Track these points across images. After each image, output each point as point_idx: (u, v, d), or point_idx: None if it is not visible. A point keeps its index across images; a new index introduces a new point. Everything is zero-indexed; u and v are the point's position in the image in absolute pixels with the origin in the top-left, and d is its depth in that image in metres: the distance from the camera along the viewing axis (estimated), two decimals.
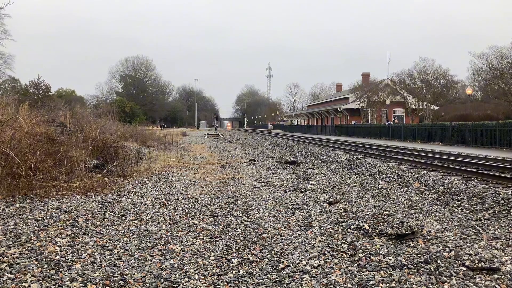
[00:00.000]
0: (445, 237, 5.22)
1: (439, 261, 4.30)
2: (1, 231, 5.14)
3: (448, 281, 3.87)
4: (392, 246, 4.94)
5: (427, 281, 3.87)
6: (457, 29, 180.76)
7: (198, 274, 4.12)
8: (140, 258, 4.52)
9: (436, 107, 44.84)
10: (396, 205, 7.63)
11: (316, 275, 4.08)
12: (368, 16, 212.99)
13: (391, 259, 4.40)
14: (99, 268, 4.14)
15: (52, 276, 3.85)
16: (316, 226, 5.92)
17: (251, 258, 4.59)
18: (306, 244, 5.07)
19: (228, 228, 5.84)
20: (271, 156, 18.59)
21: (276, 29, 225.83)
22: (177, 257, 4.62)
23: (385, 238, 5.24)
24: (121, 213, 6.54)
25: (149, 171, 11.95)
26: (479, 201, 7.47)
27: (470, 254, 4.55)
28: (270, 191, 8.92)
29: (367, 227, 5.66)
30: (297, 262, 4.45)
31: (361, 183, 10.33)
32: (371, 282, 3.86)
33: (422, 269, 4.14)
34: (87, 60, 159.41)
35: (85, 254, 4.53)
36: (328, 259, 4.52)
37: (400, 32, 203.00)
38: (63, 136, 10.24)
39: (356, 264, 4.34)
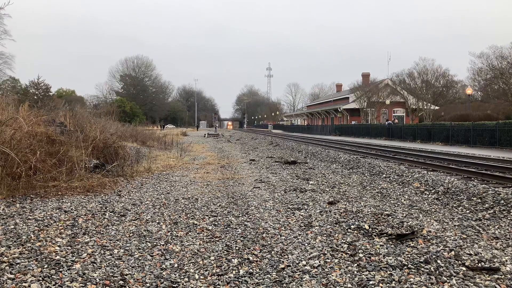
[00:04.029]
0: (445, 237, 5.22)
1: (439, 261, 4.30)
2: (1, 231, 5.14)
3: (448, 281, 3.87)
4: (392, 246, 4.94)
5: (427, 281, 3.87)
6: (457, 29, 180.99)
7: (198, 274, 4.12)
8: (140, 258, 4.52)
9: (436, 107, 44.84)
10: (396, 205, 7.63)
11: (316, 275, 4.08)
12: (369, 16, 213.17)
13: (391, 259, 4.40)
14: (99, 268, 4.14)
15: (52, 276, 3.85)
16: (316, 226, 5.92)
17: (251, 258, 4.59)
18: (306, 244, 5.07)
19: (228, 228, 5.84)
20: (271, 156, 18.58)
21: (276, 29, 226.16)
22: (177, 257, 4.62)
23: (385, 238, 5.24)
24: (121, 213, 6.54)
25: (149, 171, 11.95)
26: (479, 201, 7.47)
27: (470, 254, 4.55)
28: (270, 191, 8.92)
29: (367, 227, 5.66)
30: (297, 262, 4.44)
31: (361, 183, 10.33)
32: (371, 282, 3.86)
33: (422, 269, 4.14)
34: (87, 60, 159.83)
35: (85, 254, 4.53)
36: (328, 259, 4.52)
37: (400, 32, 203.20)
38: (63, 136, 10.24)
39: (356, 264, 4.34)
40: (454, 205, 7.58)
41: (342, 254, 4.67)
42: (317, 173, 12.18)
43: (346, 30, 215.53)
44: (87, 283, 3.75)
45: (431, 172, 10.86)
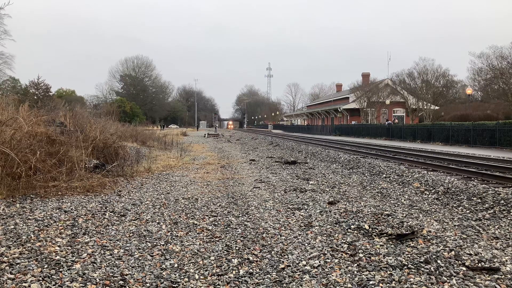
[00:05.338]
0: (445, 237, 5.22)
1: (439, 261, 4.30)
2: (1, 231, 5.14)
3: (448, 281, 3.87)
4: (392, 246, 4.94)
5: (427, 281, 3.87)
6: (457, 29, 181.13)
7: (198, 274, 4.12)
8: (140, 258, 4.51)
9: (436, 107, 44.82)
10: (396, 205, 7.63)
11: (316, 275, 4.08)
12: (369, 16, 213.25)
13: (391, 259, 4.40)
14: (99, 268, 4.14)
15: (52, 276, 3.85)
16: (316, 226, 5.92)
17: (251, 258, 4.59)
18: (306, 244, 5.07)
19: (228, 228, 5.84)
20: (271, 156, 18.58)
21: (276, 29, 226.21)
22: (177, 257, 4.62)
23: (385, 238, 5.24)
24: (121, 213, 6.54)
25: (149, 171, 11.95)
26: (479, 201, 7.47)
27: (470, 254, 4.55)
28: (270, 191, 8.91)
29: (367, 227, 5.66)
30: (297, 262, 4.44)
31: (361, 183, 10.33)
32: (371, 282, 3.86)
33: (422, 269, 4.14)
34: (87, 60, 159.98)
35: (85, 254, 4.53)
36: (328, 259, 4.52)
37: (400, 32, 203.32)
38: (63, 136, 10.24)
39: (356, 264, 4.34)
40: (454, 205, 7.57)
41: (342, 254, 4.67)
42: (317, 173, 12.18)
43: (346, 30, 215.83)
44: (87, 283, 3.75)
45: (431, 172, 10.86)
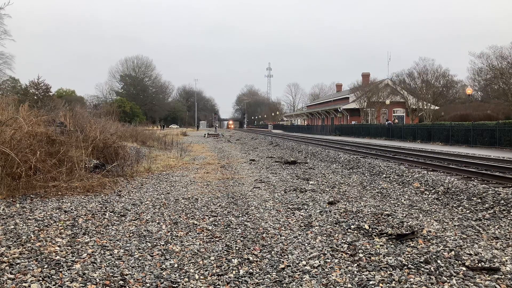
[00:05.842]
0: (445, 237, 5.22)
1: (439, 261, 4.30)
2: (1, 231, 5.14)
3: (448, 281, 3.87)
4: (392, 246, 4.94)
5: (427, 281, 3.87)
6: (457, 29, 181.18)
7: (198, 274, 4.12)
8: (140, 258, 4.51)
9: (436, 107, 44.80)
10: (396, 205, 7.63)
11: (316, 275, 4.08)
12: (369, 16, 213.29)
13: (391, 259, 4.40)
14: (99, 268, 4.14)
15: (52, 276, 3.85)
16: (316, 226, 5.92)
17: (251, 258, 4.59)
18: (306, 244, 5.07)
19: (228, 228, 5.84)
20: (271, 156, 18.58)
21: (276, 29, 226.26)
22: (177, 257, 4.62)
23: (385, 238, 5.24)
24: (121, 213, 6.54)
25: (149, 171, 11.95)
26: (479, 201, 7.47)
27: (470, 254, 4.55)
28: (270, 191, 8.91)
29: (367, 227, 5.66)
30: (297, 262, 4.44)
31: (361, 183, 10.32)
32: (371, 282, 3.86)
33: (422, 269, 4.14)
34: (87, 60, 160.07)
35: (85, 254, 4.53)
36: (328, 259, 4.52)
37: (400, 32, 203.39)
38: (63, 136, 10.24)
39: (356, 264, 4.34)
40: (454, 205, 7.57)
41: (342, 254, 4.67)
42: (317, 173, 12.17)
43: (346, 30, 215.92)
44: (87, 283, 3.75)
45: (431, 172, 10.86)
